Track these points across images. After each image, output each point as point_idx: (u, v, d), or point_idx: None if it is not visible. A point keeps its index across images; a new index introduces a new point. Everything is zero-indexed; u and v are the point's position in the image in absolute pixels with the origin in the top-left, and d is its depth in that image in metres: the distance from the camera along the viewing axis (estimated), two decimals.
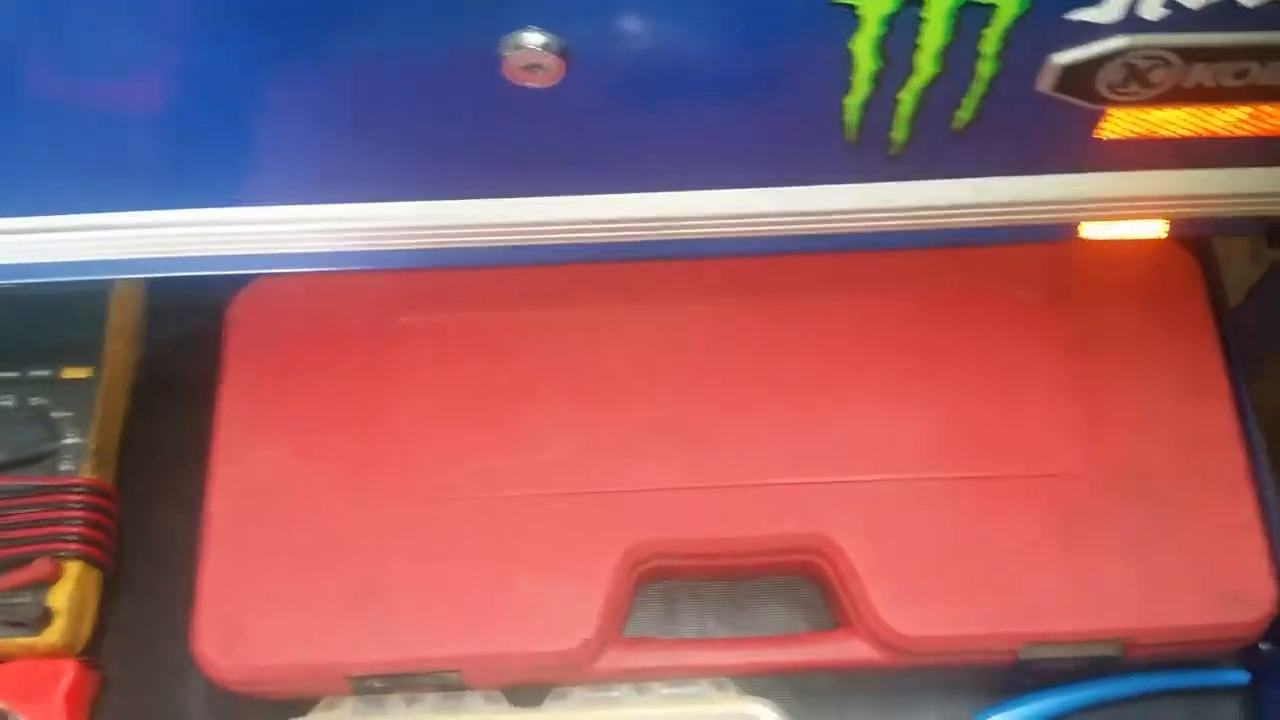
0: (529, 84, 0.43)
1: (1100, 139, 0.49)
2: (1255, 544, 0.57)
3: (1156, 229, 0.57)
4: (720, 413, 0.59)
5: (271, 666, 0.56)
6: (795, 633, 0.60)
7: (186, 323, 0.65)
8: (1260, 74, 0.45)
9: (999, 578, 0.56)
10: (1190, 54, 0.44)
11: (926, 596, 0.56)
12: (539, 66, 0.42)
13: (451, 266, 0.55)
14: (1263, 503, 0.58)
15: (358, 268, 0.55)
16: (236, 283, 0.63)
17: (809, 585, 0.61)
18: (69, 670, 0.58)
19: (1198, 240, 0.64)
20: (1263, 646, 0.59)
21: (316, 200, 0.51)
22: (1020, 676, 0.58)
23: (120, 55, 0.42)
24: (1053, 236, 0.57)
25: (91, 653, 0.60)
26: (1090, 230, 0.57)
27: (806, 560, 0.58)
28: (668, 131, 0.47)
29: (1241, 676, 0.60)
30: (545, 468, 0.58)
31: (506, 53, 0.41)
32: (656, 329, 0.61)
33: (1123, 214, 0.55)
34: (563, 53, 0.41)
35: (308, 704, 0.58)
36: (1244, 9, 0.42)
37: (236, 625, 0.56)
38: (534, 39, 0.41)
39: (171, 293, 0.67)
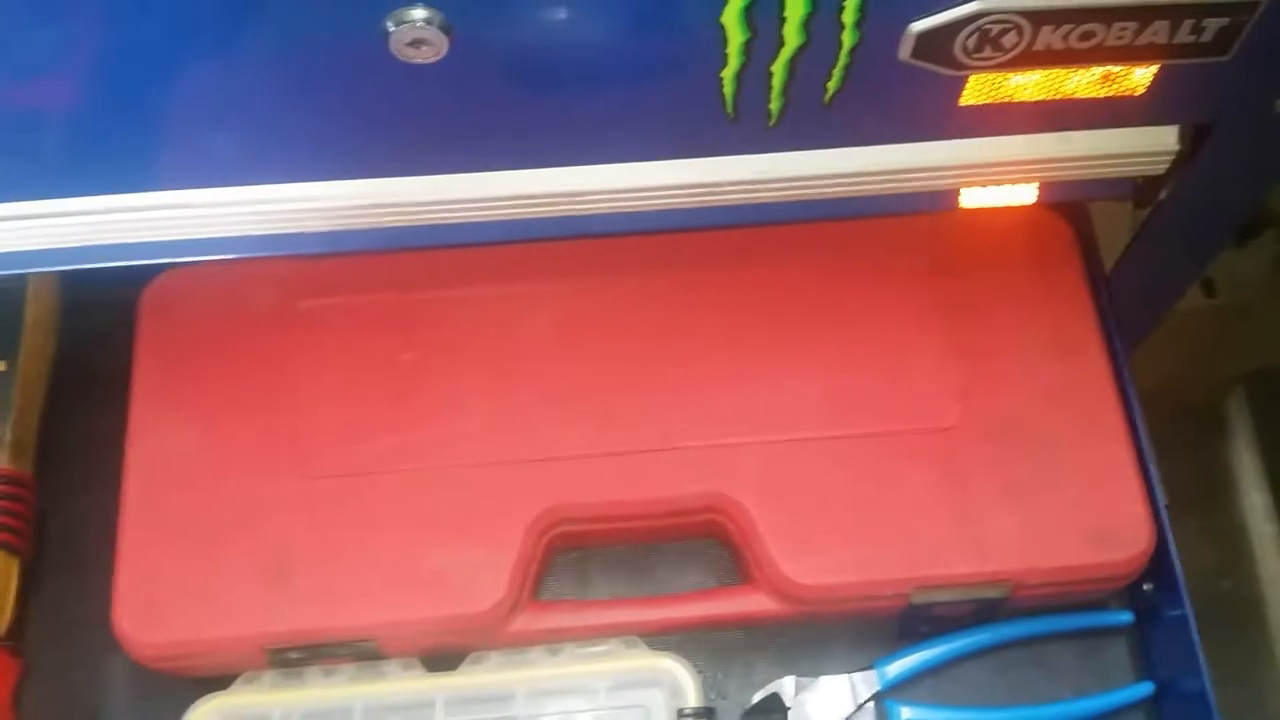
0: (415, 60, 0.45)
1: (965, 105, 0.52)
2: (1130, 488, 0.60)
3: (1029, 194, 0.60)
4: (622, 383, 0.62)
5: (191, 641, 0.57)
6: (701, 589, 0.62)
7: (101, 319, 0.66)
8: (1107, 36, 0.48)
9: (889, 528, 0.59)
10: (1037, 17, 0.46)
11: (822, 548, 0.58)
12: (423, 42, 0.44)
13: (358, 250, 0.57)
14: (1138, 449, 0.61)
15: (265, 253, 0.56)
16: (149, 279, 0.65)
17: (717, 548, 0.64)
18: None
19: (1072, 208, 0.67)
20: (1146, 587, 0.62)
21: (224, 183, 0.53)
22: (916, 624, 0.61)
23: (24, 45, 0.44)
24: (934, 205, 0.59)
25: (13, 638, 0.61)
26: (967, 197, 0.60)
27: (710, 519, 0.61)
28: (554, 107, 0.49)
29: (1126, 616, 0.63)
30: (452, 441, 0.60)
31: (392, 28, 0.43)
32: (557, 306, 0.63)
33: (994, 179, 0.58)
34: (445, 28, 0.43)
35: (228, 680, 0.59)
36: None
37: (155, 602, 0.57)
38: (417, 14, 0.43)
39: (87, 290, 0.68)
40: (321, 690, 0.59)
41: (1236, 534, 1.06)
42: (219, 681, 0.59)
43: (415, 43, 0.44)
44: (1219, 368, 1.09)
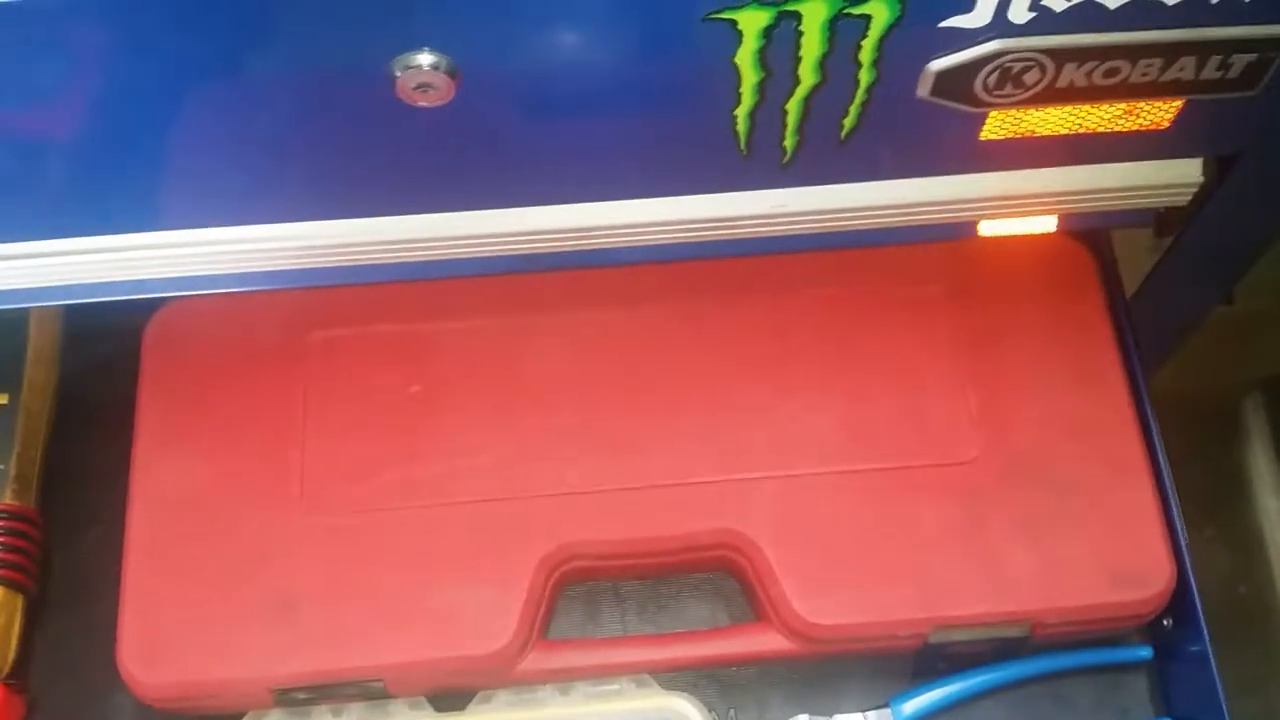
0: (421, 103, 0.44)
1: (984, 140, 0.51)
2: (1151, 525, 0.59)
3: (1049, 224, 0.59)
4: (633, 416, 0.61)
5: (196, 681, 0.56)
6: (713, 627, 0.61)
7: (103, 348, 0.66)
8: (1131, 72, 0.47)
9: (906, 565, 0.58)
10: (1060, 55, 0.45)
11: (837, 586, 0.57)
12: (430, 86, 0.43)
13: (363, 283, 0.56)
14: (1159, 485, 0.60)
15: (271, 287, 0.56)
16: (152, 307, 0.64)
17: (729, 581, 0.63)
18: None
19: (1093, 234, 0.66)
20: (1166, 623, 0.61)
21: (228, 223, 0.52)
22: (934, 661, 0.60)
23: (29, 86, 0.43)
24: (953, 235, 0.58)
25: (17, 676, 0.61)
26: (986, 228, 0.59)
27: (722, 556, 0.60)
28: (563, 147, 0.48)
29: (1146, 652, 0.62)
30: (461, 476, 0.59)
31: (398, 73, 0.42)
32: (567, 337, 0.62)
33: (1014, 211, 0.57)
34: (452, 72, 0.42)
35: (234, 719, 0.58)
36: (1108, 10, 0.44)
37: (160, 641, 0.57)
38: (424, 59, 0.42)
39: (88, 319, 0.67)
40: None
41: (1252, 540, 1.06)
42: None
43: (422, 87, 0.43)
44: (1235, 373, 1.08)
